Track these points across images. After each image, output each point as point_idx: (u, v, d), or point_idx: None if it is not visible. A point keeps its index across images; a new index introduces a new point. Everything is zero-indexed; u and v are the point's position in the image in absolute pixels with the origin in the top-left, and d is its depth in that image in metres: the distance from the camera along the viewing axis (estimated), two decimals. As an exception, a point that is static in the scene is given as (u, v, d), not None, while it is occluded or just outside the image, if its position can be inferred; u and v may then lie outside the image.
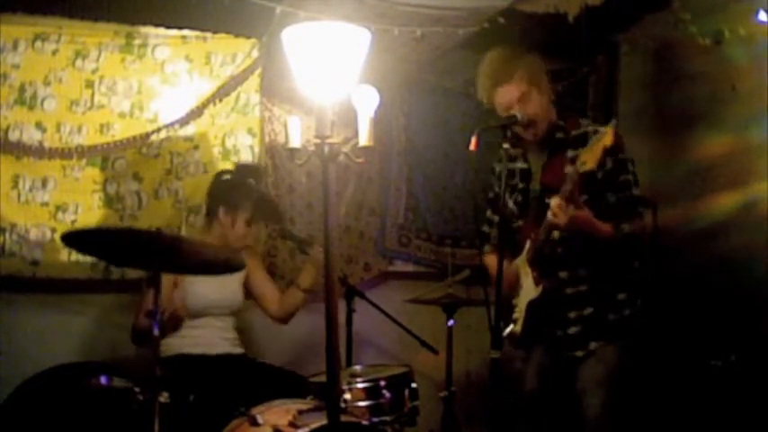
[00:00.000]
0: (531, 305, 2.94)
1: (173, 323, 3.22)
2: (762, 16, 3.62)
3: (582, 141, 2.87)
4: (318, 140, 2.16)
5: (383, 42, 3.57)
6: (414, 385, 3.11)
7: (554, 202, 2.70)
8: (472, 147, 2.90)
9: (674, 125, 4.28)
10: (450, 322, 3.66)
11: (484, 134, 2.81)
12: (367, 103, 2.30)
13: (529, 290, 2.96)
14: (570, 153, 2.89)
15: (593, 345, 2.90)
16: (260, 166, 3.99)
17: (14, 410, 3.26)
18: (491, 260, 3.10)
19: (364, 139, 2.28)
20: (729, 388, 3.56)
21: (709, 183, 3.99)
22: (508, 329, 3.04)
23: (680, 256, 4.01)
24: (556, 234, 2.87)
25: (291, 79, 2.21)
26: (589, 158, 2.59)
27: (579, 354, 2.91)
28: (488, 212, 3.27)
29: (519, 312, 3.00)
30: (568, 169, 2.83)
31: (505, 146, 2.82)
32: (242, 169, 3.73)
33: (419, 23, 3.62)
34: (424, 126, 4.62)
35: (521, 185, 3.05)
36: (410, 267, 4.62)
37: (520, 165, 3.07)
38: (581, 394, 2.90)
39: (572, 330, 2.93)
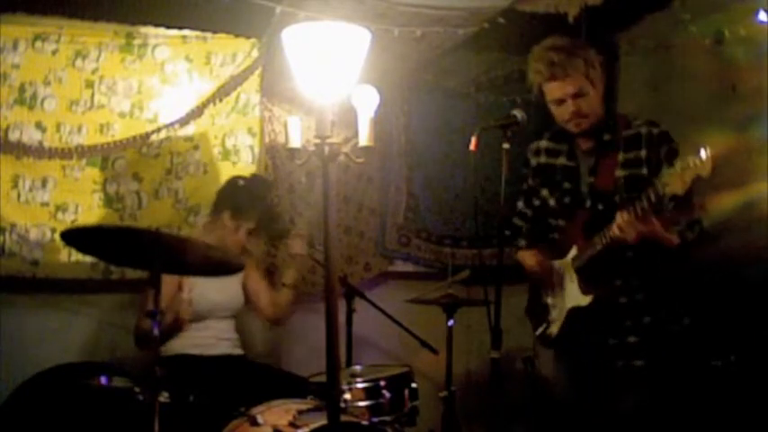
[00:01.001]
0: (576, 312, 2.87)
1: (176, 326, 3.22)
2: (762, 16, 3.61)
3: (635, 143, 2.80)
4: (318, 140, 2.17)
5: (383, 42, 3.56)
6: (414, 385, 3.11)
7: (621, 217, 2.61)
8: (472, 147, 2.89)
9: (673, 125, 4.27)
10: (450, 322, 3.65)
11: (484, 134, 2.80)
12: (367, 103, 2.30)
13: (573, 295, 2.88)
14: (622, 156, 2.81)
15: (648, 356, 2.81)
16: (272, 180, 3.99)
17: (15, 410, 3.26)
18: (526, 255, 3.05)
19: (364, 139, 2.28)
20: (729, 388, 3.56)
21: (710, 183, 3.98)
22: (541, 329, 3.01)
23: (680, 257, 4.00)
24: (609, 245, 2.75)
25: (291, 79, 2.21)
26: (675, 183, 2.46)
27: (638, 363, 2.81)
28: (520, 204, 3.16)
29: (558, 315, 2.95)
30: (620, 173, 2.78)
31: (505, 146, 2.80)
32: (255, 180, 3.72)
33: (419, 23, 3.62)
34: (424, 126, 4.61)
35: (566, 185, 2.95)
36: (410, 267, 4.62)
37: (562, 161, 2.97)
38: (626, 406, 2.82)
39: (631, 339, 2.83)
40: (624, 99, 4.55)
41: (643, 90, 4.52)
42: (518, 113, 2.83)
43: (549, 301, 3.00)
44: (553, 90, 2.82)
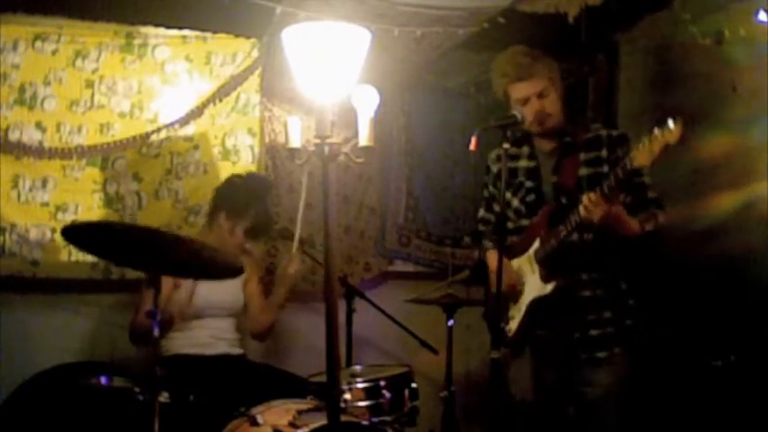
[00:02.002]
0: (536, 303, 2.92)
1: (167, 324, 3.22)
2: (762, 16, 3.61)
3: (596, 144, 2.92)
4: (318, 140, 2.16)
5: (383, 42, 3.57)
6: (414, 385, 3.10)
7: (587, 197, 2.69)
8: (472, 147, 2.89)
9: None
10: (450, 322, 3.65)
11: (484, 134, 2.81)
12: (367, 103, 2.29)
13: (535, 287, 2.94)
14: (583, 156, 2.92)
15: (615, 349, 2.89)
16: (269, 178, 3.98)
17: (15, 410, 3.26)
18: (492, 257, 3.09)
19: (364, 139, 2.28)
20: (729, 388, 3.56)
21: (709, 183, 3.98)
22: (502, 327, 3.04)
23: (680, 256, 4.00)
24: (575, 236, 2.85)
25: (291, 79, 2.21)
26: (642, 155, 2.52)
27: (601, 355, 2.89)
28: (481, 212, 3.27)
29: (517, 310, 2.99)
30: (583, 171, 2.88)
31: (505, 146, 2.82)
32: (252, 178, 3.71)
33: (419, 23, 3.62)
34: (424, 126, 4.61)
35: (528, 184, 3.04)
36: (410, 267, 4.63)
37: (524, 163, 3.06)
38: (594, 400, 2.89)
39: (593, 333, 2.90)
40: (624, 99, 4.56)
41: (643, 90, 4.52)
42: (518, 113, 2.86)
43: (511, 300, 3.03)
44: (519, 90, 2.93)
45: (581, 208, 2.70)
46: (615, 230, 2.79)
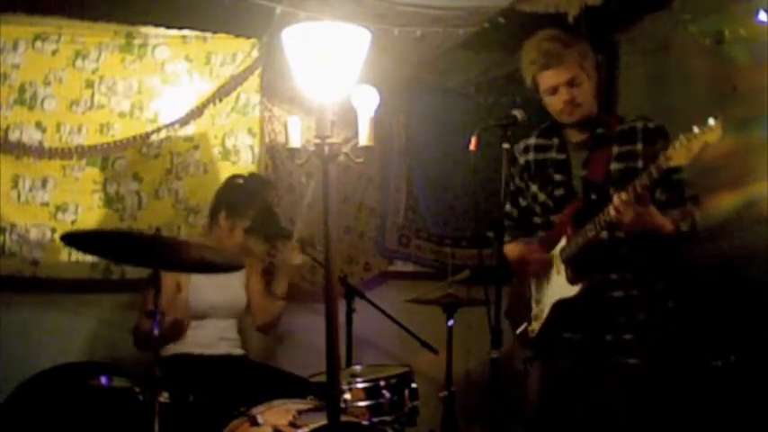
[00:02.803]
0: (561, 305, 2.80)
1: (176, 330, 3.23)
2: (762, 16, 3.61)
3: (630, 137, 2.78)
4: (318, 140, 2.16)
5: (383, 42, 3.57)
6: (414, 385, 3.10)
7: (618, 197, 2.55)
8: (472, 147, 2.87)
9: (674, 125, 4.27)
10: (450, 322, 3.66)
11: (484, 134, 2.80)
12: (367, 103, 2.30)
13: (560, 288, 2.82)
14: (616, 149, 2.78)
15: (647, 356, 2.75)
16: (270, 179, 3.98)
17: (15, 410, 3.26)
18: (511, 248, 2.99)
19: (364, 139, 2.28)
20: (729, 388, 3.56)
21: (709, 183, 3.98)
22: (522, 327, 2.96)
23: (680, 256, 4.00)
24: (604, 234, 2.72)
25: (291, 79, 2.21)
26: (680, 154, 2.41)
27: (633, 362, 2.74)
28: (508, 206, 3.07)
29: (540, 311, 2.89)
30: (615, 166, 2.75)
31: (505, 145, 2.79)
32: (253, 179, 3.72)
33: (419, 23, 3.62)
34: (424, 126, 4.61)
35: (557, 177, 2.90)
36: (410, 267, 4.62)
37: (552, 155, 2.93)
38: (615, 405, 2.74)
39: (627, 336, 2.76)
40: (624, 99, 4.56)
41: (643, 90, 4.52)
42: (518, 113, 2.81)
43: (533, 297, 2.93)
44: (547, 78, 2.79)
45: (611, 208, 2.57)
46: (647, 232, 2.64)
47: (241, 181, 3.63)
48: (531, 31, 2.91)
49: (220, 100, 3.95)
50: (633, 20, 4.32)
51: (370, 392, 2.97)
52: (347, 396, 2.91)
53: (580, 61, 2.78)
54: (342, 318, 3.63)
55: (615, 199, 2.57)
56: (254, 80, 4.02)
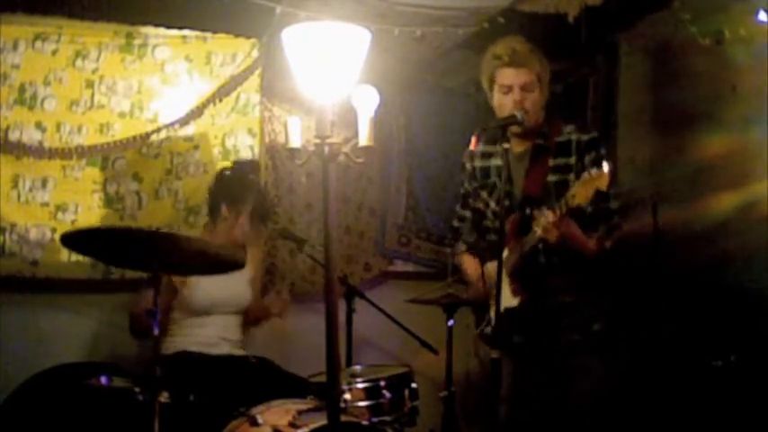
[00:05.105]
0: (507, 312, 2.91)
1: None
2: (762, 16, 3.61)
3: (566, 150, 2.90)
4: (318, 140, 2.16)
5: (383, 42, 3.57)
6: (414, 385, 3.11)
7: (544, 219, 2.71)
8: (472, 147, 2.90)
9: (674, 125, 4.28)
10: (450, 322, 3.65)
11: (484, 134, 2.81)
12: (367, 103, 2.30)
13: (506, 296, 2.92)
14: (552, 162, 2.91)
15: (589, 356, 2.88)
16: (256, 160, 3.98)
17: (15, 410, 3.25)
18: (468, 261, 3.12)
19: (364, 139, 2.28)
20: (729, 388, 3.56)
21: (709, 183, 3.98)
22: (482, 326, 3.07)
23: (680, 256, 4.00)
24: (541, 245, 2.86)
25: (291, 79, 2.21)
26: (580, 194, 2.61)
27: (574, 363, 2.89)
28: (458, 208, 3.25)
29: (493, 315, 2.93)
30: (551, 177, 2.88)
31: (505, 146, 2.81)
32: (241, 165, 3.72)
33: (419, 23, 3.63)
34: (424, 126, 4.61)
35: (500, 186, 2.99)
36: (410, 267, 4.63)
37: (496, 162, 3.05)
38: (574, 405, 2.89)
39: (576, 337, 2.90)
40: (624, 99, 4.56)
41: (643, 90, 4.52)
42: (518, 113, 2.83)
43: (491, 301, 3.01)
44: (506, 75, 2.90)
45: (539, 228, 2.73)
46: (573, 248, 2.81)
47: (229, 172, 3.64)
48: (531, 31, 2.93)
49: (220, 100, 3.95)
50: (633, 20, 4.32)
51: (370, 392, 2.97)
52: (347, 396, 2.91)
53: (539, 71, 2.91)
54: (342, 318, 3.63)
55: (542, 219, 2.72)
56: (254, 80, 4.02)
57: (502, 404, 3.00)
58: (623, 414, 2.98)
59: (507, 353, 2.97)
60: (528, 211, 2.89)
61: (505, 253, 2.92)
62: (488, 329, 3.03)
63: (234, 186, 3.55)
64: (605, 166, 2.58)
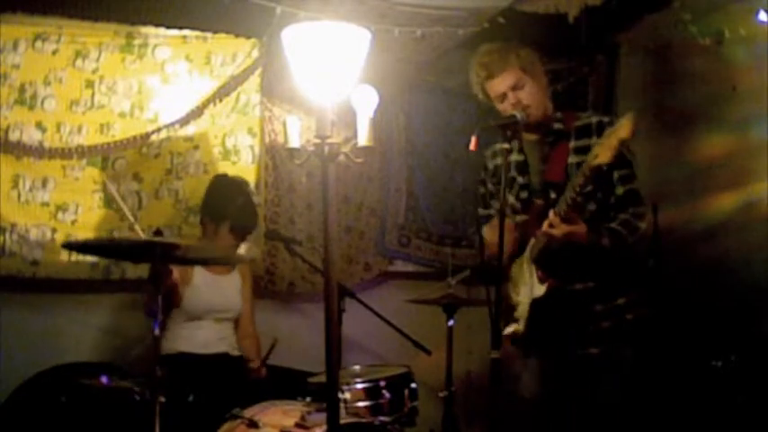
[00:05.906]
0: (535, 304, 2.90)
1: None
2: (762, 16, 3.62)
3: (586, 132, 2.87)
4: (318, 140, 2.16)
5: (383, 42, 3.57)
6: (413, 385, 3.10)
7: (551, 216, 2.71)
8: (472, 147, 2.88)
9: (674, 125, 4.28)
10: (451, 322, 3.65)
11: (484, 134, 2.81)
12: (367, 103, 2.29)
13: (534, 287, 2.91)
14: (573, 144, 2.88)
15: (611, 344, 2.84)
16: (245, 180, 3.85)
17: (15, 410, 3.26)
18: (489, 230, 3.05)
19: (364, 139, 2.28)
20: (729, 388, 3.56)
21: (709, 183, 3.98)
22: (510, 329, 3.01)
23: (680, 256, 4.01)
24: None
25: (291, 79, 2.21)
26: (602, 151, 2.54)
27: (594, 351, 2.85)
28: (480, 210, 3.21)
29: (521, 311, 2.97)
30: (572, 159, 2.84)
31: (505, 145, 2.81)
32: (223, 181, 3.70)
33: (419, 23, 3.62)
34: (424, 126, 4.61)
35: (519, 180, 3.01)
36: (410, 267, 4.62)
37: (515, 157, 3.02)
38: (595, 395, 2.85)
39: (589, 328, 2.87)
40: (624, 99, 4.56)
41: (643, 90, 4.53)
42: (518, 113, 2.84)
43: (515, 299, 3.01)
44: (494, 86, 2.91)
45: (546, 224, 2.73)
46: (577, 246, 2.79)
47: (212, 184, 3.65)
48: (532, 30, 2.93)
49: (220, 100, 3.95)
50: (633, 20, 4.32)
51: (370, 392, 2.97)
52: (347, 396, 2.91)
53: (521, 65, 2.89)
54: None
55: (550, 216, 2.71)
56: (254, 80, 4.02)
57: (525, 405, 3.00)
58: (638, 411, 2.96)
59: (536, 355, 2.98)
60: (553, 196, 2.86)
61: (531, 242, 2.92)
62: (509, 330, 2.98)
63: (213, 200, 3.59)
64: (627, 115, 2.53)
